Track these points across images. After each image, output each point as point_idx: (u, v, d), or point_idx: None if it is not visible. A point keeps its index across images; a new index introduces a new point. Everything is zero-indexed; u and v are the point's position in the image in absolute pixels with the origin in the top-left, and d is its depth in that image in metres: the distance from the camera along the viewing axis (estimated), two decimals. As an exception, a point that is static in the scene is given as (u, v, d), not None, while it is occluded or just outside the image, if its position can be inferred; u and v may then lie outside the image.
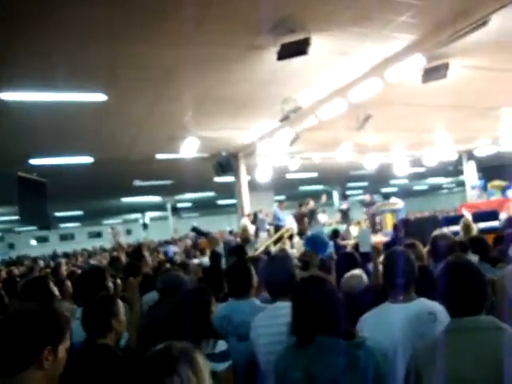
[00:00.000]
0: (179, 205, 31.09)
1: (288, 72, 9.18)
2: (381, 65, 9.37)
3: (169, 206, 28.94)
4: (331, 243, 8.34)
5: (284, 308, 2.69)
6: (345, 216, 18.16)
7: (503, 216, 10.20)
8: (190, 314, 2.96)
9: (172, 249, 16.94)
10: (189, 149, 13.71)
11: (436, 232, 4.81)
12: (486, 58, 9.72)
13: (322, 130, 14.11)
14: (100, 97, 9.26)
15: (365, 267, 4.75)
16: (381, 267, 3.90)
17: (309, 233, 13.86)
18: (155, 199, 27.54)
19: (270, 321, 2.92)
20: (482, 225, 9.42)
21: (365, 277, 4.07)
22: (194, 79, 9.09)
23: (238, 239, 14.43)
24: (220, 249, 8.33)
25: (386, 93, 10.42)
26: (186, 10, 6.30)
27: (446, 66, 9.00)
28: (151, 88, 9.45)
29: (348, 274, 4.05)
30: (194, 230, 15.05)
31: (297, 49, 7.23)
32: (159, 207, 30.33)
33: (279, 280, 3.08)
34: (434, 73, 9.14)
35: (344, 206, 17.95)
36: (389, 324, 2.64)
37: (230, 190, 19.59)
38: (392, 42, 8.53)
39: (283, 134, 13.65)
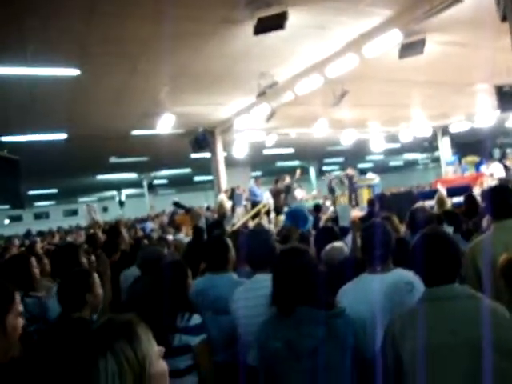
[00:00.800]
0: (155, 182, 30.90)
1: (264, 47, 9.12)
2: (358, 40, 9.37)
3: (145, 183, 28.72)
4: (311, 218, 8.40)
5: (264, 281, 2.71)
6: (332, 191, 18.19)
7: (476, 190, 10.38)
8: (166, 288, 2.97)
9: (149, 225, 16.87)
10: (165, 125, 13.57)
11: (415, 205, 4.89)
12: (461, 34, 9.79)
13: (298, 106, 14.11)
14: (73, 71, 9.06)
15: (343, 241, 4.82)
16: (359, 240, 3.99)
17: (285, 208, 13.96)
18: (131, 176, 27.32)
19: (249, 293, 2.94)
20: (456, 199, 9.58)
21: (346, 248, 4.14)
22: (169, 54, 8.92)
23: (216, 215, 14.44)
24: (202, 223, 8.35)
25: (362, 68, 10.45)
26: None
27: (422, 42, 9.03)
28: (126, 63, 9.29)
29: (329, 246, 4.11)
30: (176, 204, 14.98)
31: (273, 23, 7.16)
32: (135, 184, 30.11)
33: (259, 253, 3.10)
34: (410, 48, 9.16)
35: (333, 183, 17.97)
36: (367, 294, 2.69)
37: (206, 167, 19.52)
38: (369, 17, 8.52)
39: (260, 109, 13.63)
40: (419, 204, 5.92)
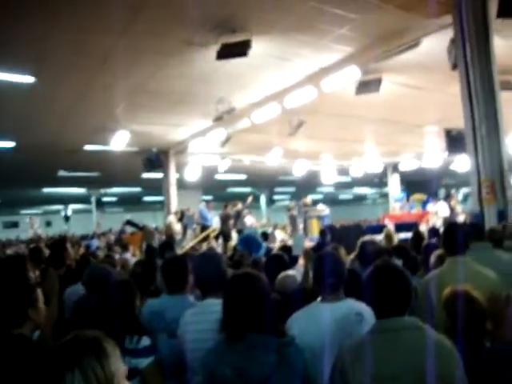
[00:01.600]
0: (104, 199, 30.24)
1: (225, 72, 9.19)
2: (318, 73, 9.60)
3: (93, 199, 28.06)
4: (264, 245, 8.39)
5: (214, 305, 2.66)
6: (293, 221, 18.09)
7: (423, 227, 10.65)
8: (114, 308, 2.88)
9: (95, 243, 16.44)
10: (119, 142, 13.37)
11: (364, 238, 4.96)
12: (416, 77, 10.20)
13: (254, 133, 14.21)
14: (28, 79, 8.83)
15: (293, 270, 4.84)
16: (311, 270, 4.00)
17: (233, 234, 13.92)
18: (79, 191, 26.64)
19: (198, 317, 2.87)
20: (403, 235, 9.78)
21: (298, 278, 4.14)
22: (129, 70, 8.86)
23: (163, 236, 14.23)
24: (155, 243, 8.17)
25: (320, 101, 10.69)
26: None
27: (378, 81, 9.34)
28: (83, 75, 9.13)
29: (282, 274, 4.11)
30: (129, 222, 14.66)
31: (237, 50, 7.25)
32: (83, 200, 29.34)
33: (210, 276, 3.04)
34: (367, 86, 9.47)
35: (294, 212, 17.91)
36: (317, 323, 2.68)
37: (157, 187, 19.30)
38: (330, 53, 8.76)
39: (216, 133, 13.66)
40: (368, 237, 6.01)
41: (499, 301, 3.29)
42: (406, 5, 7.09)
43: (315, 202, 18.29)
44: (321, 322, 2.68)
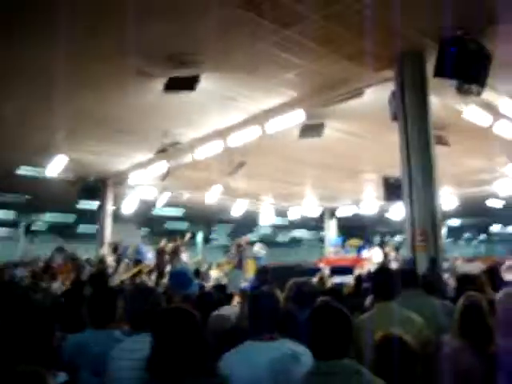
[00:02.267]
0: (34, 226, 28.96)
1: (172, 106, 9.17)
2: (262, 114, 9.73)
3: (22, 224, 26.80)
4: (196, 282, 8.20)
5: (143, 342, 2.52)
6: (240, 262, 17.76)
7: (357, 272, 10.82)
8: (28, 338, 2.66)
9: (19, 272, 15.57)
10: (55, 167, 12.91)
11: (301, 279, 4.92)
12: (357, 125, 10.52)
13: (195, 169, 14.13)
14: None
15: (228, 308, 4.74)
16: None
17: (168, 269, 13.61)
18: (7, 215, 25.36)
19: (125, 354, 2.71)
20: (338, 279, 9.89)
21: (233, 317, 4.04)
22: (74, 94, 8.62)
23: (94, 269, 13.72)
24: (85, 276, 7.82)
25: (262, 142, 10.79)
26: (74, 14, 5.97)
27: (321, 126, 9.57)
28: (24, 95, 8.81)
29: (216, 313, 4.00)
30: (60, 250, 13.95)
31: (185, 84, 7.28)
32: (10, 224, 27.97)
33: (142, 310, 2.91)
34: (310, 130, 9.67)
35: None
36: (251, 363, 2.59)
37: (92, 217, 18.68)
38: (276, 95, 8.93)
39: (157, 166, 13.47)
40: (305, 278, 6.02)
41: (429, 346, 3.34)
42: (351, 56, 7.38)
43: (252, 243, 18.25)
44: (255, 361, 2.59)
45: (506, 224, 36.44)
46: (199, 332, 2.32)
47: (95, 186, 15.39)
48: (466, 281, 5.31)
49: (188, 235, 15.30)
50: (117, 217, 17.83)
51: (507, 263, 17.52)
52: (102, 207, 17.00)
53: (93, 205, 17.40)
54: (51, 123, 10.46)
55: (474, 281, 5.37)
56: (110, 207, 17.11)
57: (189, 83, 7.22)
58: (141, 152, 12.98)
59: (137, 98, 8.86)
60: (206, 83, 7.61)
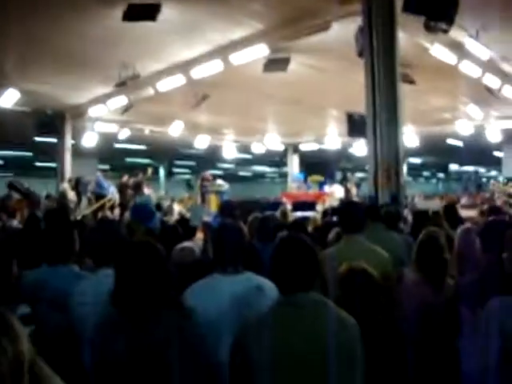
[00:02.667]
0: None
1: (131, 36, 8.76)
2: (227, 46, 9.46)
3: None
4: (159, 215, 8.17)
5: (108, 276, 2.49)
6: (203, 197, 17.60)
7: (319, 207, 11.01)
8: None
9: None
10: (8, 99, 12.35)
11: (264, 214, 4.96)
12: (322, 60, 10.36)
13: (157, 103, 13.80)
14: None
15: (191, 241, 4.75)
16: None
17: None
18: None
19: (90, 289, 2.69)
20: (300, 214, 10.03)
21: (196, 250, 4.05)
22: (24, 20, 8.08)
23: (55, 204, 13.49)
24: (40, 211, 7.65)
25: (226, 75, 10.56)
26: None
27: (287, 60, 9.39)
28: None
29: (180, 246, 3.98)
30: (12, 186, 13.45)
31: (146, 13, 6.92)
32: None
33: (106, 245, 2.86)
34: (275, 64, 9.49)
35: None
36: (216, 296, 2.60)
37: (50, 152, 18.18)
38: (241, 27, 8.67)
39: (117, 100, 13.11)
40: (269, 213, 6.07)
41: (391, 279, 3.44)
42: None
43: (214, 178, 18.18)
44: (220, 294, 2.60)
45: (463, 163, 37.47)
46: (163, 265, 2.31)
47: (53, 121, 14.83)
48: (423, 217, 5.49)
49: (150, 170, 15.08)
50: (76, 152, 17.40)
51: (463, 201, 18.23)
52: (60, 142, 16.51)
53: (51, 139, 16.87)
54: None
55: (432, 217, 5.55)
56: (69, 142, 16.63)
57: (150, 12, 6.86)
58: (100, 85, 12.51)
59: (94, 26, 8.43)
60: (167, 12, 7.24)
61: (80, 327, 2.62)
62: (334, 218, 5.32)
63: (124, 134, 17.73)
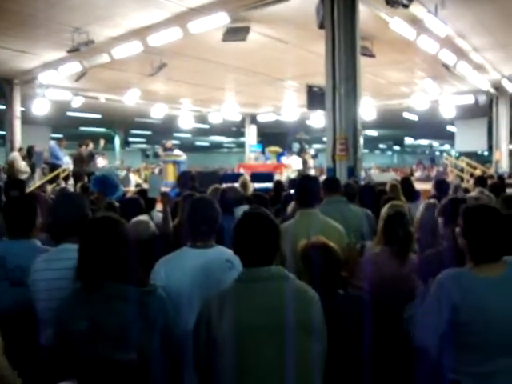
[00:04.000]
0: None
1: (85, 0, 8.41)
2: (185, 14, 9.23)
3: None
4: (122, 187, 7.97)
5: (70, 251, 2.42)
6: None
7: (277, 178, 11.01)
8: None
9: None
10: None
11: (223, 186, 4.90)
12: (283, 31, 10.27)
13: (112, 70, 13.44)
14: None
15: (149, 214, 4.67)
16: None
17: (85, 177, 13.20)
18: None
19: (51, 264, 2.58)
20: (258, 185, 10.03)
21: (152, 223, 3.97)
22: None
23: (4, 175, 13.06)
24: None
25: (184, 44, 10.43)
26: None
27: (246, 30, 9.26)
28: None
29: (134, 220, 3.89)
30: None
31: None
32: None
33: (69, 219, 2.76)
34: (234, 33, 9.35)
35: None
36: (186, 268, 2.59)
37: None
38: (201, -6, 8.43)
39: (70, 66, 12.67)
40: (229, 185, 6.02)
41: (353, 250, 3.49)
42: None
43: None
44: (190, 267, 2.60)
45: (417, 137, 38.39)
46: (127, 241, 2.27)
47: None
48: (380, 190, 5.58)
49: (102, 142, 14.53)
50: (27, 119, 16.77)
51: (417, 174, 18.67)
52: (8, 108, 15.86)
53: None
54: None
55: (390, 190, 5.65)
56: (18, 108, 16.01)
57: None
58: (51, 50, 11.99)
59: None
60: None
61: (40, 305, 2.54)
62: (292, 191, 5.31)
63: (78, 101, 17.23)
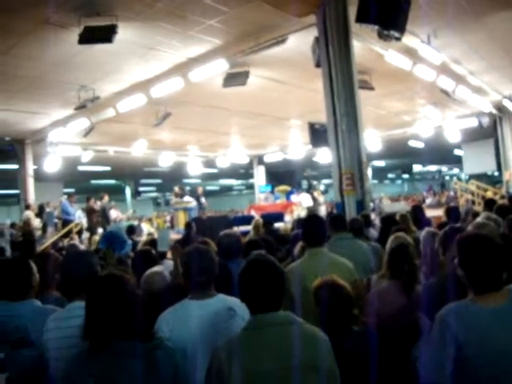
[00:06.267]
0: None
1: (88, 58, 8.70)
2: (185, 64, 9.47)
3: None
4: (130, 242, 8.03)
5: (80, 309, 2.44)
6: None
7: (287, 218, 11.04)
8: None
9: None
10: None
11: (225, 231, 4.89)
12: (282, 72, 10.50)
13: (119, 123, 13.72)
14: None
15: (161, 265, 4.69)
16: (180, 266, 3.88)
17: (99, 229, 13.32)
18: None
19: (61, 323, 2.60)
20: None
21: (166, 274, 3.99)
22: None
23: (20, 233, 13.19)
24: (5, 242, 7.41)
25: (187, 92, 10.61)
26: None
27: (246, 74, 9.47)
28: None
29: (148, 272, 3.92)
30: None
31: (101, 35, 6.87)
32: None
33: (78, 277, 2.78)
34: (234, 79, 9.56)
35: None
36: (188, 321, 2.58)
37: (11, 179, 17.80)
38: (198, 44, 8.68)
39: (78, 123, 12.98)
40: (235, 229, 6.06)
41: (360, 287, 3.47)
42: (275, 2, 7.23)
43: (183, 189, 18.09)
44: (191, 320, 2.59)
45: (425, 163, 38.32)
46: (133, 297, 2.28)
47: (12, 147, 14.53)
48: (390, 221, 5.56)
49: (106, 197, 14.61)
50: (39, 177, 17.09)
51: (428, 201, 18.54)
52: (21, 168, 16.20)
53: (11, 166, 16.53)
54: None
55: (400, 221, 5.64)
56: (30, 167, 16.34)
57: (105, 34, 6.81)
58: (59, 108, 12.35)
59: (46, 50, 8.28)
60: (123, 33, 7.20)
61: (51, 364, 2.55)
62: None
63: (87, 156, 17.53)
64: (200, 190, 18.00)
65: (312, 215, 4.83)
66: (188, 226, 8.78)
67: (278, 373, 2.03)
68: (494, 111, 16.93)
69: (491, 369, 2.02)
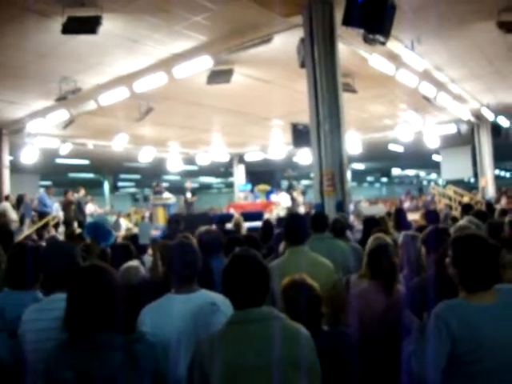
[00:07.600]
0: None
1: (71, 49, 8.60)
2: (169, 59, 9.44)
3: None
4: (115, 234, 7.92)
5: (60, 300, 2.41)
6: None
7: (267, 217, 11.01)
8: None
9: None
10: None
11: (205, 227, 4.87)
12: (265, 71, 10.51)
13: (100, 117, 13.58)
14: None
15: (140, 259, 4.66)
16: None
17: (75, 222, 13.16)
18: None
19: (40, 315, 2.58)
20: (248, 224, 10.03)
21: (142, 268, 3.97)
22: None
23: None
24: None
25: (170, 88, 10.56)
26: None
27: (230, 72, 9.48)
28: None
29: (124, 266, 3.89)
30: None
31: (85, 26, 6.78)
32: None
33: (59, 268, 2.76)
34: (218, 76, 9.56)
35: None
36: (171, 315, 2.58)
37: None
38: (183, 40, 8.66)
39: (58, 114, 12.79)
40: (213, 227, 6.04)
41: (337, 287, 3.51)
42: (261, 1, 7.25)
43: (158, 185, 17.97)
44: (174, 314, 2.58)
45: (404, 168, 38.76)
46: (115, 289, 2.26)
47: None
48: (372, 223, 5.61)
49: (82, 190, 14.47)
50: (15, 168, 16.80)
51: (406, 204, 18.72)
52: (-3, 158, 15.90)
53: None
54: None
55: (379, 222, 5.69)
56: (6, 158, 16.05)
57: (90, 25, 6.72)
58: (39, 99, 12.17)
59: (30, 38, 8.15)
60: (108, 25, 7.11)
61: (31, 356, 2.51)
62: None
63: (66, 148, 17.27)
64: (188, 185, 18.00)
65: (293, 214, 4.85)
66: (175, 221, 8.69)
67: (260, 367, 2.05)
68: (473, 119, 17.24)
69: (484, 364, 2.09)
